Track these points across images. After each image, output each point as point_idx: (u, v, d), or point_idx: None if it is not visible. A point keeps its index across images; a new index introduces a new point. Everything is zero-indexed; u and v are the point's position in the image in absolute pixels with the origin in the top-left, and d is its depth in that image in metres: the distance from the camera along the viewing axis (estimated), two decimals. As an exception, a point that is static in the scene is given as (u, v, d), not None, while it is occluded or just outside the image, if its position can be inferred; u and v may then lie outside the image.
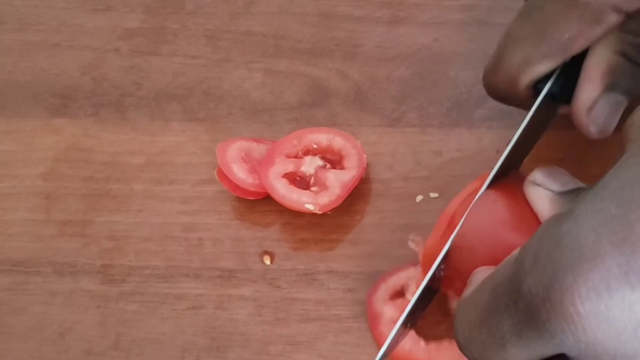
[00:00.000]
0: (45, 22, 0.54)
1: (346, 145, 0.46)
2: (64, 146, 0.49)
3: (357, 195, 0.46)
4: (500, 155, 0.37)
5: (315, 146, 0.47)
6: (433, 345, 0.40)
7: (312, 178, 0.45)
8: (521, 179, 0.38)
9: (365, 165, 0.45)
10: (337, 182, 0.44)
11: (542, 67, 0.38)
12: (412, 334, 0.40)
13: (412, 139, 0.48)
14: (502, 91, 0.40)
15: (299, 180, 0.45)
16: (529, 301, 0.26)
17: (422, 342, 0.40)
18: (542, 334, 0.25)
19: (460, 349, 0.30)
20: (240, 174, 0.45)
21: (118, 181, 0.47)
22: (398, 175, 0.47)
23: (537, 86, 0.39)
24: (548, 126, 0.41)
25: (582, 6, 0.36)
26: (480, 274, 0.31)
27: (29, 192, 0.47)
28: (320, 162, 0.46)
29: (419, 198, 0.46)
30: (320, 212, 0.44)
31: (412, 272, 0.42)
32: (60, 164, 0.48)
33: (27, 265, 0.45)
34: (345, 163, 0.46)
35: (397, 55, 0.51)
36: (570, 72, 0.39)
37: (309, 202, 0.44)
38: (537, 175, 0.34)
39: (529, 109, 0.39)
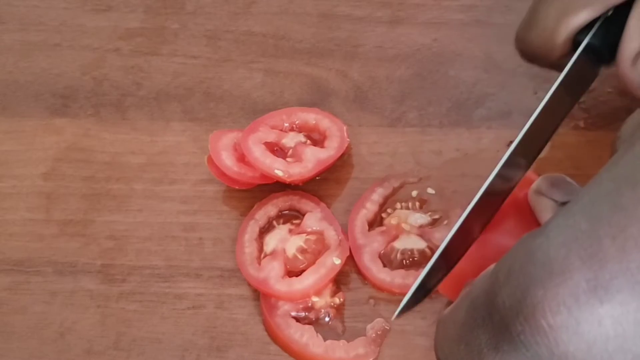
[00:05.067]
0: (46, 22, 0.54)
1: (332, 127, 0.47)
2: (65, 146, 0.49)
3: (357, 196, 0.46)
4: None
5: (297, 121, 0.47)
6: (329, 343, 0.41)
7: (290, 151, 0.46)
8: (529, 184, 0.37)
9: (345, 148, 0.46)
10: (313, 157, 0.45)
11: (581, 17, 0.36)
12: (310, 330, 0.41)
13: (412, 139, 0.48)
14: (537, 48, 0.39)
15: (278, 151, 0.46)
16: (503, 314, 0.26)
17: (320, 338, 0.41)
18: (517, 346, 0.25)
19: None
20: (228, 161, 0.45)
21: (118, 181, 0.47)
22: (398, 174, 0.47)
23: (577, 38, 0.37)
24: (586, 90, 0.38)
25: None
26: (467, 289, 0.31)
27: (29, 191, 0.47)
28: (302, 139, 0.47)
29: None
30: (289, 181, 0.44)
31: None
32: (60, 163, 0.48)
33: (28, 265, 0.45)
34: (327, 143, 0.46)
35: (397, 55, 0.52)
36: (612, 26, 0.37)
37: (280, 169, 0.44)
38: (541, 184, 0.34)
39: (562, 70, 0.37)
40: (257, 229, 0.44)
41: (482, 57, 0.51)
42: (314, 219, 0.44)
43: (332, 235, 0.44)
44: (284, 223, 0.45)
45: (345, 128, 0.47)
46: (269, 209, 0.45)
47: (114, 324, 0.43)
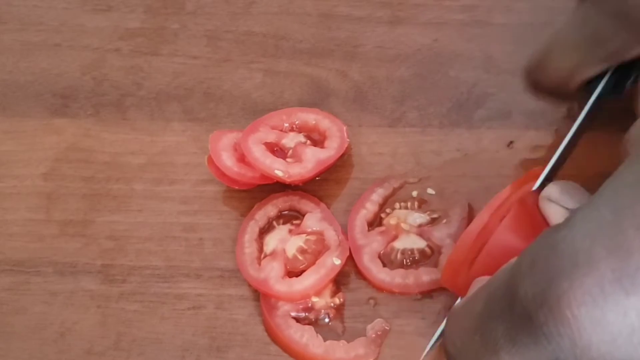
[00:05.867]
0: (46, 22, 0.54)
1: (332, 128, 0.47)
2: (65, 146, 0.49)
3: (357, 196, 0.46)
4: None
5: (297, 122, 0.48)
6: (329, 343, 0.41)
7: (291, 151, 0.46)
8: (535, 178, 0.38)
9: (345, 149, 0.46)
10: (313, 157, 0.45)
11: (594, 70, 0.39)
12: (310, 330, 0.41)
13: (412, 139, 0.48)
14: (548, 89, 0.42)
15: (278, 152, 0.46)
16: (525, 305, 0.26)
17: (320, 339, 0.41)
18: (537, 339, 0.25)
19: None
20: (228, 161, 0.45)
21: (118, 181, 0.47)
22: (398, 175, 0.47)
23: (588, 85, 0.40)
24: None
25: (633, 21, 0.36)
26: (479, 284, 0.31)
27: (29, 192, 0.47)
28: (302, 139, 0.47)
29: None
30: (289, 181, 0.44)
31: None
32: (61, 164, 0.48)
33: (28, 265, 0.45)
34: (327, 143, 0.47)
35: (397, 55, 0.52)
36: (619, 73, 0.40)
37: (280, 169, 0.44)
38: (551, 191, 0.34)
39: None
40: (257, 230, 0.44)
41: (482, 57, 0.51)
42: (314, 219, 0.44)
43: (332, 235, 0.44)
44: (284, 223, 0.45)
45: (345, 128, 0.47)
46: (269, 210, 0.45)
47: (114, 324, 0.43)
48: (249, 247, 0.43)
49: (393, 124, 0.49)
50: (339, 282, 0.43)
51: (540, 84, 0.42)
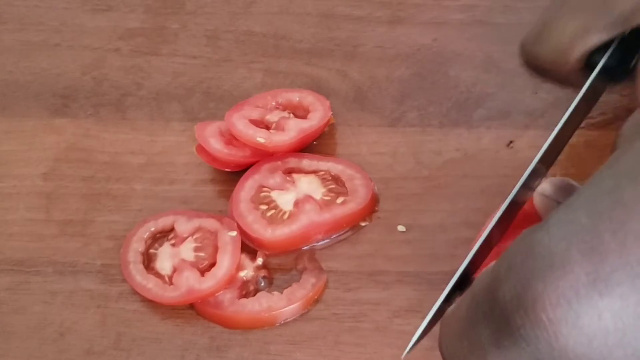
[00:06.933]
0: (46, 22, 0.54)
1: (315, 103, 0.48)
2: (65, 146, 0.49)
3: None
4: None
5: (281, 100, 0.48)
6: (286, 291, 0.42)
7: (274, 124, 0.47)
8: None
9: (327, 120, 0.47)
10: (296, 126, 0.46)
11: (600, 37, 0.36)
12: (264, 295, 0.42)
13: (412, 139, 0.48)
14: (548, 63, 0.38)
15: (263, 127, 0.47)
16: (504, 308, 0.26)
17: (279, 295, 0.42)
18: (517, 341, 0.25)
19: None
20: (217, 145, 0.46)
21: (118, 181, 0.47)
22: (398, 175, 0.47)
23: (590, 59, 0.37)
24: (593, 105, 0.38)
25: None
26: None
27: (29, 191, 0.47)
28: (286, 115, 0.47)
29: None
30: (272, 149, 0.45)
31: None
32: (60, 163, 0.48)
33: (28, 265, 0.45)
34: (310, 115, 0.47)
35: (397, 55, 0.52)
36: (626, 46, 0.37)
37: (262, 137, 0.45)
38: (546, 187, 0.34)
39: (570, 85, 0.37)
40: (142, 268, 0.44)
41: (482, 57, 0.51)
42: (182, 222, 0.44)
43: (210, 223, 0.44)
44: (160, 246, 0.44)
45: (328, 103, 0.48)
46: (136, 247, 0.44)
47: (114, 324, 0.43)
48: (154, 284, 0.43)
49: (393, 123, 0.49)
50: (249, 248, 0.44)
51: (539, 59, 0.38)
